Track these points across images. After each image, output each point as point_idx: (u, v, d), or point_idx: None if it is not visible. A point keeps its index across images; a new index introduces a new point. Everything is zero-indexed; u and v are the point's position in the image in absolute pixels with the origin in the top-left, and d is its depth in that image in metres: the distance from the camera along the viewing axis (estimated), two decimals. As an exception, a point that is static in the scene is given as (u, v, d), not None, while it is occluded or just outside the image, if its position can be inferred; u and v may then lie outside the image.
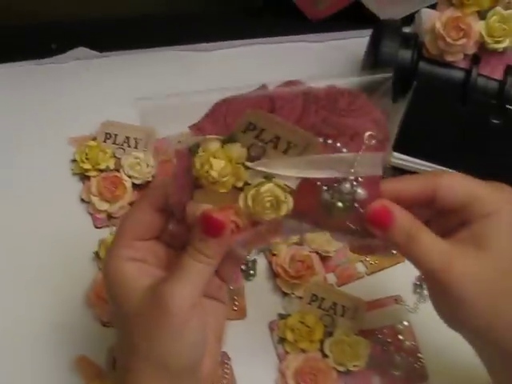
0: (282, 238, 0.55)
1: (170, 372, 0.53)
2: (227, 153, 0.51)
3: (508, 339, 0.55)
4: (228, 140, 0.51)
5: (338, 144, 0.52)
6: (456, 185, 0.54)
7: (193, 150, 0.52)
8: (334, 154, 0.52)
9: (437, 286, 0.54)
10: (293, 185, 0.52)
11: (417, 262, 0.53)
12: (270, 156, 0.51)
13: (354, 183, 0.52)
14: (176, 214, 0.53)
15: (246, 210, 0.52)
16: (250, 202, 0.51)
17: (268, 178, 0.51)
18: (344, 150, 0.52)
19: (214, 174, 0.50)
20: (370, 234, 0.54)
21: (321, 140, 0.52)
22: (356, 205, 0.52)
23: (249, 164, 0.51)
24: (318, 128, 0.52)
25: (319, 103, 0.52)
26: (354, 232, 0.54)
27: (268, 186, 0.51)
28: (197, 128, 0.52)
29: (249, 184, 0.52)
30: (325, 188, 0.52)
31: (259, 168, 0.51)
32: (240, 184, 0.51)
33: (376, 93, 0.53)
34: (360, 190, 0.52)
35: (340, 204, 0.52)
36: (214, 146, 0.51)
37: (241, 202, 0.51)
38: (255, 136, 0.51)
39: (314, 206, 0.53)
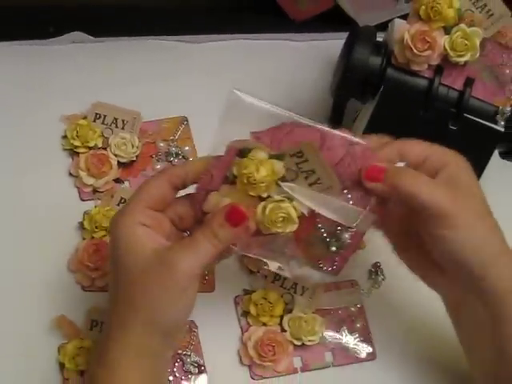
0: (260, 255, 0.62)
1: (160, 329, 0.59)
2: (272, 166, 0.58)
3: (485, 287, 0.61)
4: (276, 156, 0.59)
5: (349, 196, 0.61)
6: (414, 144, 0.63)
7: (243, 152, 0.59)
8: (343, 203, 0.60)
9: (437, 216, 0.60)
10: (305, 212, 0.60)
11: (418, 198, 0.59)
12: (299, 183, 0.59)
13: (349, 234, 0.61)
14: (197, 198, 0.60)
15: (260, 217, 0.59)
16: (267, 211, 0.58)
17: (289, 199, 0.59)
18: (351, 202, 0.60)
19: (257, 177, 0.57)
20: (334, 275, 0.63)
21: (341, 188, 0.60)
22: (341, 251, 0.62)
23: (280, 182, 0.59)
24: (343, 178, 0.60)
25: (354, 159, 0.60)
26: (319, 269, 0.63)
27: (287, 204, 0.59)
28: (256, 136, 0.60)
29: (271, 197, 0.59)
30: (321, 226, 0.61)
31: (287, 189, 0.59)
32: (265, 195, 0.59)
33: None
34: (349, 240, 0.61)
35: (334, 248, 0.61)
36: (262, 155, 0.59)
37: (259, 209, 0.59)
38: (298, 162, 0.59)
39: (306, 236, 0.61)
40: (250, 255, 0.61)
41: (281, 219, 0.59)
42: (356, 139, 0.60)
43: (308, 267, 0.63)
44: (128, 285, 0.59)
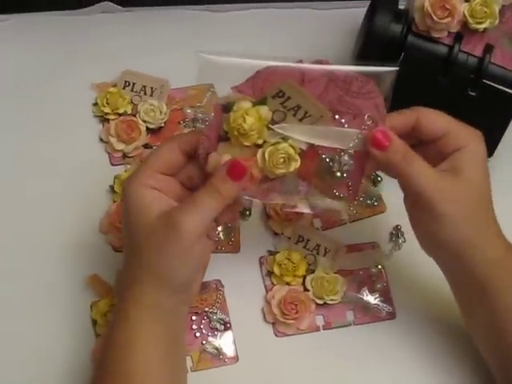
0: (278, 199, 0.63)
1: (170, 285, 0.61)
2: (258, 112, 0.60)
3: (474, 259, 0.63)
4: (259, 102, 0.60)
5: (343, 120, 0.61)
6: (435, 118, 0.64)
7: (228, 107, 0.60)
8: (338, 128, 0.61)
9: (424, 204, 0.62)
10: (304, 147, 0.61)
11: (409, 181, 0.62)
12: (289, 121, 0.60)
13: (349, 156, 0.61)
14: (200, 161, 0.61)
15: (261, 164, 0.60)
16: (266, 156, 0.60)
17: (284, 139, 0.60)
18: (346, 125, 0.61)
19: (246, 126, 0.59)
20: (351, 200, 0.63)
21: (331, 114, 0.60)
22: (345, 175, 0.62)
23: (271, 126, 0.60)
24: (333, 104, 0.61)
25: (338, 83, 0.61)
26: (336, 197, 0.63)
27: (283, 145, 0.60)
28: (237, 90, 0.61)
29: (267, 142, 0.60)
30: (325, 156, 0.61)
31: (279, 130, 0.60)
32: (260, 141, 0.60)
33: (382, 82, 0.62)
34: (352, 162, 0.61)
35: (338, 173, 0.62)
36: (247, 104, 0.60)
37: (259, 156, 0.60)
38: (281, 102, 0.60)
39: (313, 169, 0.62)
40: (267, 202, 0.63)
41: (282, 160, 0.60)
42: (335, 66, 0.61)
43: (326, 199, 0.63)
44: (138, 246, 0.61)
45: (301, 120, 0.61)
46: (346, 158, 0.62)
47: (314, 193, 0.63)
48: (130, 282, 0.62)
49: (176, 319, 0.64)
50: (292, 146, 0.61)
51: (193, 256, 0.61)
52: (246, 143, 0.60)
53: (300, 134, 0.61)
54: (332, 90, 0.61)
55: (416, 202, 0.64)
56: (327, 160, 0.62)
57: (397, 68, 0.62)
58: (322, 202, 0.64)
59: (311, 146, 0.61)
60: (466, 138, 0.63)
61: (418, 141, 0.65)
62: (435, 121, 0.64)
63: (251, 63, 0.60)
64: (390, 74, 0.62)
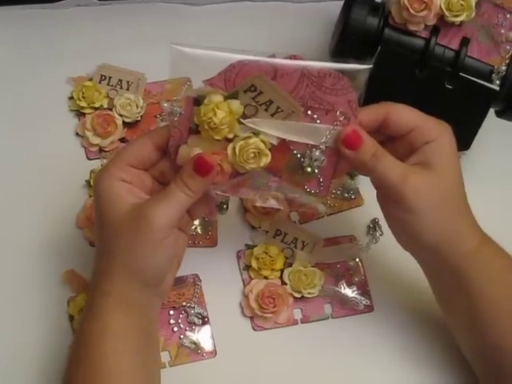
0: (249, 194, 0.63)
1: (141, 277, 0.61)
2: (229, 106, 0.59)
3: (450, 252, 0.64)
4: (230, 96, 0.60)
5: (315, 116, 0.61)
6: (404, 113, 0.64)
7: (199, 99, 0.60)
8: (310, 124, 0.61)
9: (396, 200, 0.62)
10: (275, 142, 0.61)
11: (379, 178, 0.62)
12: (261, 116, 0.60)
13: (321, 151, 0.61)
14: (171, 154, 0.61)
15: (231, 158, 0.60)
16: (237, 151, 0.60)
17: (255, 133, 0.60)
18: (318, 121, 0.61)
19: (216, 120, 0.58)
20: (323, 196, 0.63)
21: (303, 110, 0.60)
22: (316, 170, 0.61)
23: (242, 120, 0.60)
24: (305, 100, 0.61)
25: (311, 79, 0.60)
26: (307, 193, 0.63)
27: (254, 139, 0.60)
28: (209, 83, 0.60)
29: (238, 137, 0.60)
30: (296, 152, 0.61)
31: (250, 124, 0.60)
32: (231, 135, 0.60)
33: (356, 79, 0.62)
34: (323, 158, 0.61)
35: (309, 169, 0.62)
36: (218, 98, 0.59)
37: (229, 151, 0.60)
38: (253, 97, 0.60)
39: (284, 165, 0.62)
40: (238, 196, 0.63)
41: (252, 155, 0.60)
42: (308, 62, 0.60)
43: (297, 195, 0.63)
44: (109, 238, 0.61)
45: (272, 115, 0.61)
46: (317, 153, 0.62)
47: (285, 188, 0.63)
48: (102, 274, 0.62)
49: (148, 312, 0.64)
50: (263, 141, 0.60)
51: (164, 248, 0.61)
52: (217, 137, 0.59)
53: (271, 129, 0.61)
54: (305, 86, 0.61)
55: (389, 199, 0.64)
56: (298, 155, 0.62)
57: (371, 66, 0.62)
58: (294, 197, 0.64)
59: (283, 141, 0.61)
60: (434, 131, 0.63)
61: (388, 136, 0.65)
62: (404, 115, 0.64)
63: (225, 56, 0.60)
64: (365, 72, 0.62)
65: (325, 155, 0.62)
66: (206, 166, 0.60)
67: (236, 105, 0.60)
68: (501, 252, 0.66)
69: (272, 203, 0.64)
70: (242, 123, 0.60)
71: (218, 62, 0.60)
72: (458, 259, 0.64)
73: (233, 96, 0.60)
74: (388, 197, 0.64)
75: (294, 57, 0.61)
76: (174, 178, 0.60)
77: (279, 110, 0.60)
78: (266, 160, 0.61)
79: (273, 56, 0.61)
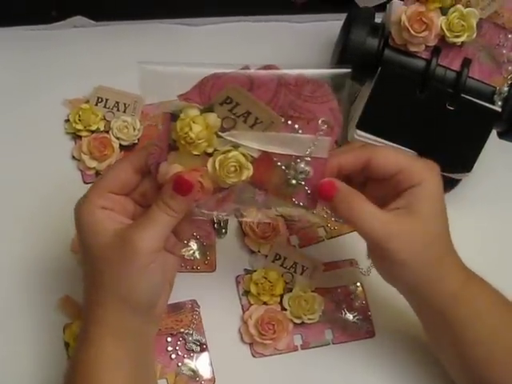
0: (234, 210, 0.61)
1: (131, 306, 0.60)
2: (205, 120, 0.57)
3: (433, 295, 0.63)
4: (206, 109, 0.58)
5: (296, 125, 0.59)
6: (386, 157, 0.62)
7: (175, 115, 0.58)
8: (291, 134, 0.59)
9: (378, 251, 0.62)
10: (255, 155, 0.59)
11: (360, 231, 0.61)
12: (239, 128, 0.58)
13: (306, 163, 0.60)
14: (152, 173, 0.60)
15: (212, 173, 0.58)
16: (217, 165, 0.58)
17: (235, 147, 0.58)
18: (300, 131, 0.59)
19: (192, 135, 0.57)
20: (311, 209, 0.61)
21: (283, 120, 0.59)
22: (303, 183, 0.60)
23: (220, 133, 0.58)
24: (285, 109, 0.59)
25: (289, 88, 0.59)
26: (296, 206, 0.61)
27: (234, 153, 0.58)
28: (184, 98, 0.58)
29: (218, 151, 0.58)
30: (280, 163, 0.60)
31: (229, 138, 0.58)
32: (210, 150, 0.58)
33: (337, 85, 0.60)
34: (309, 169, 0.60)
35: (294, 181, 0.60)
36: (194, 112, 0.58)
37: (209, 166, 0.58)
38: (230, 109, 0.58)
39: (268, 178, 0.60)
40: (222, 214, 0.61)
41: (233, 169, 0.58)
42: (284, 70, 0.59)
43: (284, 208, 0.62)
44: (95, 266, 0.60)
45: (251, 126, 0.59)
46: (302, 165, 0.60)
47: (272, 201, 0.62)
48: (92, 303, 0.61)
49: (141, 339, 0.63)
50: (243, 154, 0.59)
51: (151, 273, 0.60)
52: (195, 152, 0.58)
53: (251, 141, 0.59)
54: (283, 95, 0.59)
55: (370, 247, 0.64)
56: (283, 167, 0.61)
57: (350, 70, 0.60)
58: (285, 210, 0.62)
59: (265, 153, 0.60)
60: (420, 174, 0.62)
61: (370, 178, 0.64)
62: (387, 158, 0.62)
63: (193, 71, 0.58)
64: (344, 77, 0.60)
65: (311, 166, 0.60)
66: (185, 185, 0.58)
67: (213, 118, 0.58)
68: (486, 289, 0.66)
69: (260, 218, 0.63)
70: (220, 137, 0.59)
71: (188, 78, 0.58)
72: (441, 301, 0.64)
73: (209, 109, 0.58)
74: (368, 245, 0.64)
75: (269, 67, 0.59)
76: (156, 200, 0.59)
77: (258, 121, 0.59)
78: (247, 173, 0.59)
79: (246, 67, 0.59)
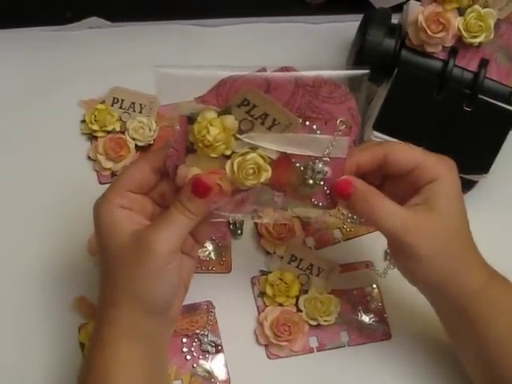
0: (252, 211, 0.61)
1: (146, 307, 0.60)
2: (222, 122, 0.57)
3: (455, 292, 0.63)
4: (224, 112, 0.58)
5: (314, 126, 0.59)
6: (403, 152, 0.62)
7: (192, 118, 0.58)
8: (309, 135, 0.59)
9: (398, 247, 0.61)
10: (273, 157, 0.59)
11: (380, 228, 0.61)
12: (257, 130, 0.58)
13: (324, 163, 0.59)
14: (170, 175, 0.60)
15: (230, 176, 0.58)
16: (235, 168, 0.58)
17: (253, 148, 0.58)
18: (318, 132, 0.59)
19: (209, 138, 0.57)
20: (332, 209, 0.61)
21: (301, 121, 0.58)
22: (321, 183, 0.60)
23: (238, 136, 0.58)
24: (303, 110, 0.59)
25: (306, 89, 0.59)
26: (315, 206, 0.61)
27: (252, 155, 0.58)
28: (201, 100, 0.58)
29: (236, 153, 0.58)
30: (299, 165, 0.59)
31: (246, 140, 0.58)
32: (228, 152, 0.58)
33: (355, 85, 0.60)
34: (327, 170, 0.59)
35: (311, 181, 0.60)
36: (211, 115, 0.58)
37: (227, 168, 0.58)
38: (247, 111, 0.58)
39: (287, 179, 0.60)
40: (239, 215, 0.61)
41: (251, 171, 0.58)
42: (302, 72, 0.59)
43: (302, 209, 0.62)
44: (112, 266, 0.60)
45: (269, 128, 0.59)
46: (320, 165, 0.60)
47: (291, 203, 0.62)
48: (107, 303, 0.61)
49: (156, 340, 0.63)
50: (261, 156, 0.59)
51: (167, 275, 0.60)
52: (213, 154, 0.58)
53: (269, 143, 0.59)
54: (300, 96, 0.59)
55: (392, 244, 0.63)
56: (301, 168, 0.60)
57: (367, 71, 0.60)
58: (302, 212, 0.62)
59: (284, 154, 0.59)
60: (437, 169, 0.62)
61: (389, 175, 0.64)
62: (404, 154, 0.62)
63: (209, 74, 0.58)
64: (362, 77, 0.60)
65: (329, 166, 0.60)
66: (204, 188, 0.58)
67: (230, 120, 0.58)
68: (508, 288, 0.65)
69: (276, 218, 0.63)
70: (238, 139, 0.59)
71: (203, 81, 0.58)
72: (463, 299, 0.63)
73: (226, 112, 0.58)
74: (389, 242, 0.63)
75: (285, 68, 0.59)
76: (174, 202, 0.59)
77: (276, 122, 0.58)
78: (266, 175, 0.59)
79: (263, 69, 0.59)
